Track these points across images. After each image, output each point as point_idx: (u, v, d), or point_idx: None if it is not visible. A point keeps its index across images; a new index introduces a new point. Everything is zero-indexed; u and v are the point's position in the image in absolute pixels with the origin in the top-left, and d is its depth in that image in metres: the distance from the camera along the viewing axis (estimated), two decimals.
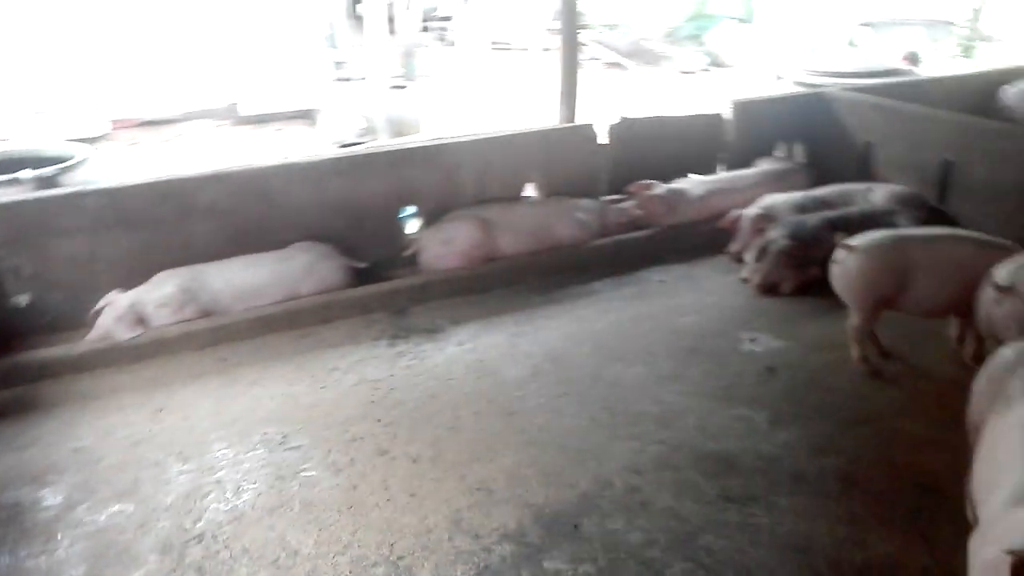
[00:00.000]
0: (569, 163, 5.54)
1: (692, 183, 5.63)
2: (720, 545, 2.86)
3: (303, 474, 3.29)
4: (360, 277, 4.81)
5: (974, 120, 5.38)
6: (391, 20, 11.22)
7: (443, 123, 10.08)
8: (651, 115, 6.03)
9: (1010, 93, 6.73)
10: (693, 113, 6.14)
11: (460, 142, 5.23)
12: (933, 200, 5.25)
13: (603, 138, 5.71)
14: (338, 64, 11.93)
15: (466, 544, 2.89)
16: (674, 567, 2.76)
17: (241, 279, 4.44)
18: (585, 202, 5.35)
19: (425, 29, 12.43)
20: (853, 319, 3.88)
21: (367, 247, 4.98)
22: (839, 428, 3.50)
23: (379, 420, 3.65)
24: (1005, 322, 3.27)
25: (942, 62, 12.44)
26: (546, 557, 2.82)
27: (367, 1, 10.92)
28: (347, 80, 11.46)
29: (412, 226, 5.27)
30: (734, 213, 5.15)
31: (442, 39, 12.88)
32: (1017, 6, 14.31)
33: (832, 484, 3.15)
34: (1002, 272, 3.31)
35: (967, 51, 13.60)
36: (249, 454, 3.42)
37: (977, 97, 6.80)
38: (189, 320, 4.28)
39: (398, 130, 9.40)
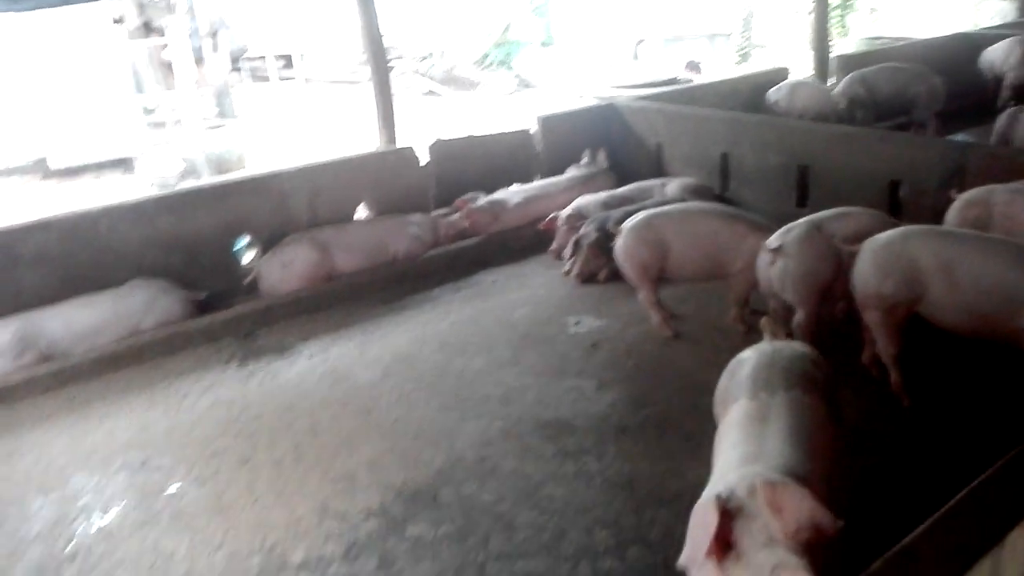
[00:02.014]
0: (396, 183, 5.89)
1: (510, 193, 6.13)
2: (560, 493, 3.27)
3: (169, 490, 3.42)
4: (202, 309, 4.92)
5: (741, 116, 6.24)
6: (199, 61, 11.14)
7: (266, 158, 10.15)
8: (465, 135, 6.50)
9: (775, 92, 7.75)
10: (504, 131, 6.67)
11: (289, 171, 5.45)
12: (717, 188, 6.03)
13: (424, 159, 6.11)
14: (148, 110, 11.68)
15: (334, 526, 3.14)
16: (522, 516, 3.14)
17: (79, 320, 4.45)
18: (416, 217, 5.71)
19: (236, 68, 12.40)
20: (639, 292, 4.48)
21: (205, 280, 5.09)
22: (654, 385, 4.03)
23: (238, 434, 3.82)
24: (781, 281, 3.91)
25: (722, 69, 13.88)
26: (409, 526, 3.13)
27: (173, 44, 10.79)
28: (161, 125, 11.25)
29: (248, 255, 5.43)
30: (551, 216, 5.67)
31: (254, 77, 12.89)
32: (780, 16, 16.18)
33: (651, 431, 3.66)
34: (772, 237, 3.97)
35: (743, 58, 15.24)
36: (111, 479, 3.50)
37: (749, 97, 7.78)
38: (31, 366, 4.25)
39: (221, 168, 9.41)
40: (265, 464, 3.57)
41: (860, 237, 3.72)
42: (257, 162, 9.87)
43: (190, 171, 9.30)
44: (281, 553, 3.01)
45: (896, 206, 5.09)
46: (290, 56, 14.14)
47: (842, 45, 10.64)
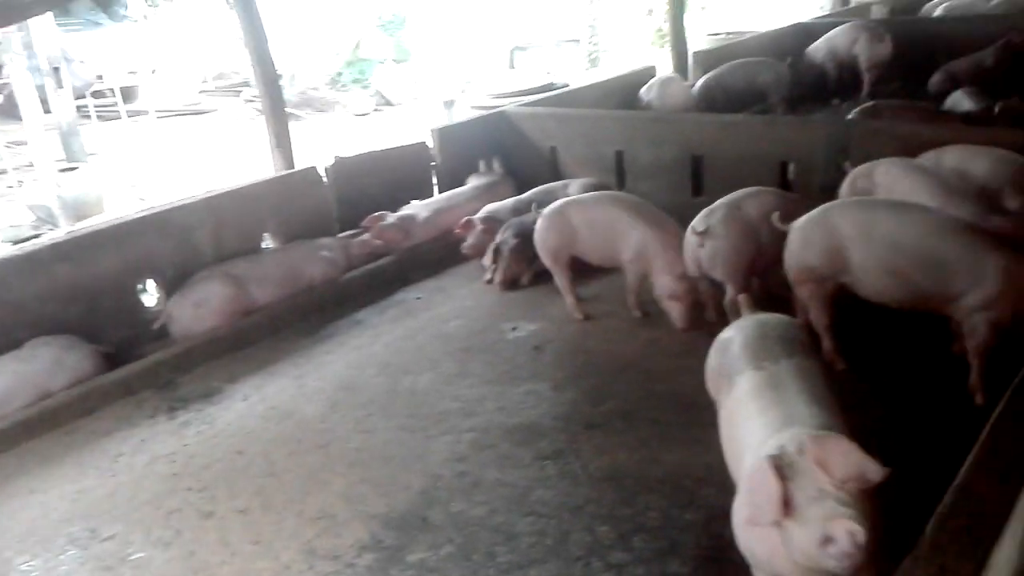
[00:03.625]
0: (300, 208, 5.68)
1: (418, 207, 6.05)
2: (550, 496, 3.27)
3: (131, 559, 3.14)
4: (113, 362, 4.55)
5: (633, 114, 6.48)
6: (43, 102, 10.30)
7: (128, 199, 9.54)
8: (363, 152, 6.37)
9: (646, 91, 8.10)
10: (400, 145, 6.59)
11: (190, 203, 5.14)
12: (615, 185, 6.22)
13: (323, 180, 5.94)
14: None
15: (328, 567, 2.99)
16: (519, 524, 3.12)
17: None
18: (326, 241, 5.54)
19: (83, 107, 11.56)
20: (555, 278, 4.65)
21: (110, 330, 4.71)
22: (606, 378, 4.11)
23: (190, 488, 3.56)
24: (711, 261, 4.10)
25: (577, 73, 14.34)
26: (407, 553, 3.03)
27: (14, 85, 9.93)
28: (2, 173, 10.31)
29: (154, 298, 5.08)
30: (465, 220, 5.66)
31: (100, 115, 12.07)
32: (622, 21, 16.91)
33: (618, 423, 3.72)
34: (697, 220, 4.15)
35: (593, 63, 15.80)
36: (61, 557, 3.17)
37: (623, 97, 8.08)
38: None
39: (79, 214, 8.74)
40: (231, 515, 3.35)
41: (768, 214, 4.00)
42: (117, 204, 9.24)
43: (45, 219, 8.57)
44: None
45: (786, 186, 5.44)
46: (134, 88, 13.34)
47: (692, 42, 11.22)
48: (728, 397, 2.68)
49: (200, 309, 4.82)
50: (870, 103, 6.59)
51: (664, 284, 4.32)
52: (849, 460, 2.00)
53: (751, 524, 2.08)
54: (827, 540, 1.89)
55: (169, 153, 11.82)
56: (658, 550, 2.91)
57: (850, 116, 6.34)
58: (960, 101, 6.86)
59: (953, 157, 4.49)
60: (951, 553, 1.64)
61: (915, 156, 4.61)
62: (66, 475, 3.74)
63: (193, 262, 5.09)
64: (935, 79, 8.03)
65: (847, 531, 1.85)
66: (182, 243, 5.07)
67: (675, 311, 4.31)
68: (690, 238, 4.18)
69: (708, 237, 4.09)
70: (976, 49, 8.17)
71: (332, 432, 3.89)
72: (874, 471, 1.98)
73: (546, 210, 4.72)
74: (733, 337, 2.88)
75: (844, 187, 4.49)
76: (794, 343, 2.77)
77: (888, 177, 4.25)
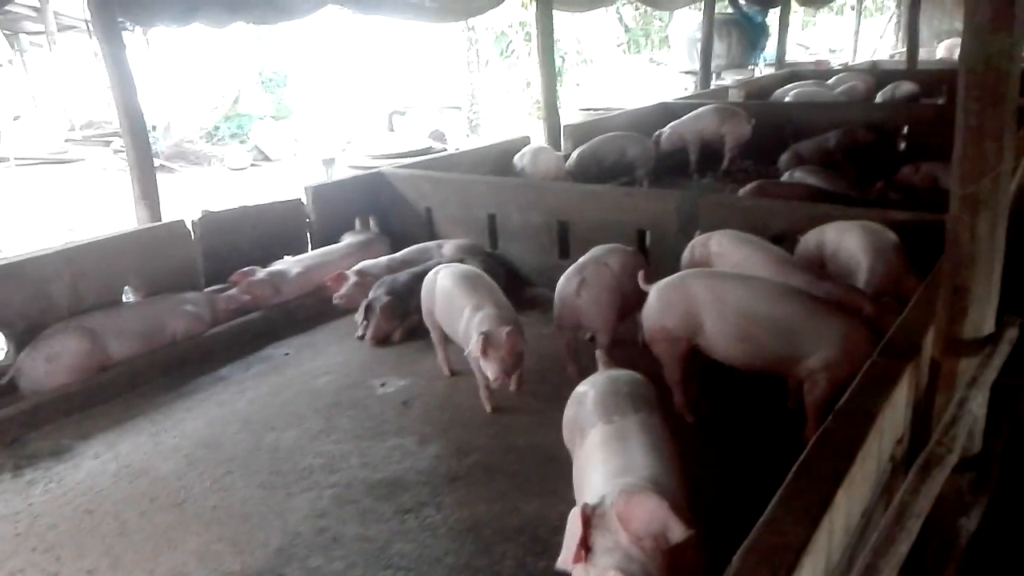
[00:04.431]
0: (164, 261, 5.57)
1: (289, 263, 6.06)
2: (408, 548, 3.32)
3: None
4: None
5: (504, 180, 6.76)
6: None
7: None
8: (233, 207, 6.33)
9: (519, 158, 8.45)
10: (272, 201, 6.59)
11: (45, 255, 4.95)
12: (488, 246, 6.45)
13: (191, 234, 5.86)
14: None
15: None
16: None
17: None
18: (191, 295, 5.44)
19: None
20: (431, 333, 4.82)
21: None
22: (471, 432, 4.22)
23: (35, 549, 3.40)
24: (589, 310, 4.42)
25: (459, 138, 14.74)
26: None
27: None
28: None
29: (2, 351, 4.83)
30: (337, 274, 5.70)
31: None
32: (499, 93, 17.56)
33: (479, 475, 3.83)
34: (571, 274, 4.51)
35: (474, 129, 16.28)
36: None
37: (497, 163, 8.41)
38: None
39: None
40: (76, 575, 3.22)
41: (626, 268, 4.48)
42: None
43: None
44: None
45: (644, 252, 5.81)
46: None
47: (566, 116, 11.79)
48: (581, 448, 2.86)
49: (52, 364, 4.63)
50: (757, 182, 7.05)
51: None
52: (654, 517, 2.19)
53: (561, 565, 2.25)
54: None
55: (29, 202, 11.27)
56: None
57: (740, 192, 6.75)
58: (803, 178, 7.52)
59: (831, 232, 4.74)
60: None
61: (757, 228, 5.03)
62: None
63: (48, 314, 4.89)
64: (784, 158, 8.76)
65: None
66: (36, 295, 4.87)
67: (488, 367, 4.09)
68: (567, 291, 4.44)
69: (584, 287, 4.36)
70: (820, 132, 9.00)
71: (188, 490, 3.81)
72: (677, 531, 2.18)
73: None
74: (587, 392, 3.09)
75: (685, 255, 4.86)
76: (642, 399, 3.00)
77: (721, 247, 4.63)
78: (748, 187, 6.85)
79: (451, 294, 4.44)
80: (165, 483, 3.88)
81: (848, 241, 4.60)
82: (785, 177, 7.63)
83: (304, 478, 3.87)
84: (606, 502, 2.28)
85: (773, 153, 9.06)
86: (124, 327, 5.01)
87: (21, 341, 4.77)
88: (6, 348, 4.87)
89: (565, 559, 2.27)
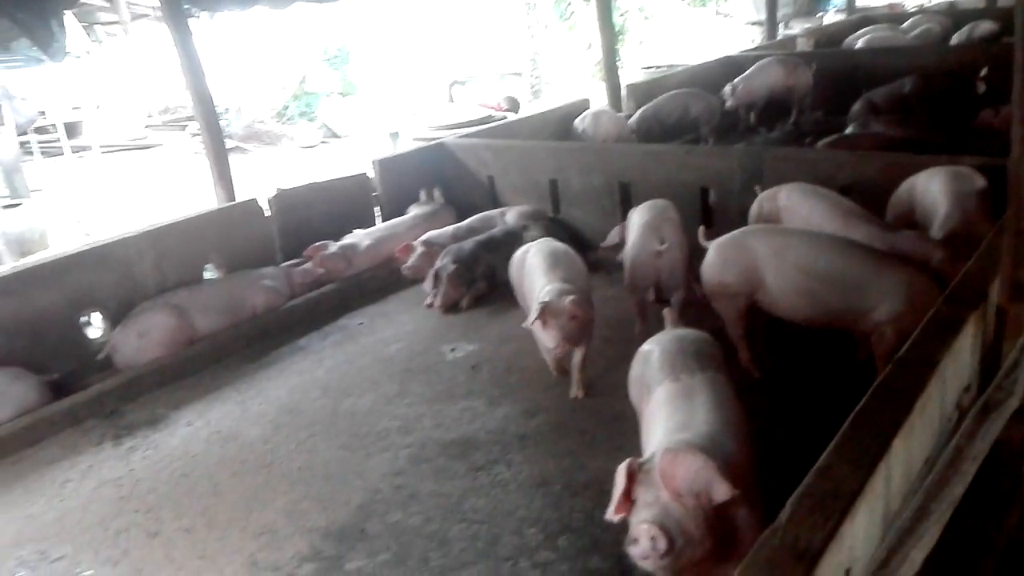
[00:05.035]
0: (242, 239, 5.83)
1: (359, 236, 6.25)
2: (481, 503, 3.47)
3: None
4: (57, 393, 4.63)
5: (564, 145, 6.79)
6: None
7: (71, 234, 9.53)
8: (304, 183, 6.55)
9: (580, 121, 8.45)
10: (342, 176, 6.79)
11: (131, 236, 5.26)
12: (550, 211, 6.51)
13: (266, 211, 6.11)
14: None
15: None
16: (452, 531, 3.31)
17: None
18: (269, 270, 5.70)
19: (26, 143, 11.52)
20: None
21: (54, 361, 4.79)
22: (538, 393, 4.33)
23: (137, 510, 3.68)
24: (668, 271, 4.54)
25: (522, 104, 14.73)
26: (346, 562, 3.20)
27: None
28: None
29: (97, 329, 5.17)
30: (404, 244, 5.88)
31: (43, 150, 12.03)
32: (560, 56, 17.42)
33: (548, 435, 3.94)
34: (650, 239, 4.51)
35: (536, 94, 16.23)
36: None
37: (557, 128, 8.42)
38: None
39: (23, 249, 8.74)
40: (176, 533, 3.48)
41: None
42: (61, 240, 9.24)
43: None
44: None
45: (708, 210, 5.78)
46: (78, 123, 13.33)
47: (628, 75, 11.68)
48: (647, 405, 2.94)
49: (143, 339, 4.93)
50: (834, 136, 6.90)
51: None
52: (698, 476, 2.23)
53: (608, 516, 2.36)
54: (633, 540, 2.21)
55: (114, 187, 11.81)
56: (581, 548, 3.13)
57: (818, 145, 6.61)
58: (877, 127, 7.28)
59: (922, 177, 4.58)
60: (806, 525, 1.88)
61: (824, 180, 4.95)
62: (14, 502, 3.83)
63: (136, 293, 5.21)
64: (856, 107, 8.49)
65: (649, 536, 2.16)
66: (124, 275, 5.18)
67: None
68: (647, 250, 4.52)
69: (666, 247, 4.47)
70: (894, 79, 8.68)
71: (275, 453, 4.04)
72: (721, 491, 2.21)
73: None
74: (653, 350, 3.15)
75: (752, 210, 4.82)
76: (708, 357, 3.04)
77: (790, 200, 4.59)
78: (826, 140, 6.70)
79: (533, 272, 4.36)
80: (253, 447, 4.12)
81: (933, 186, 4.47)
82: (851, 129, 7.39)
83: (381, 439, 4.05)
84: (655, 459, 2.34)
85: (845, 103, 8.78)
86: (208, 303, 5.29)
87: (114, 319, 5.08)
88: (102, 326, 5.19)
89: (611, 511, 2.36)
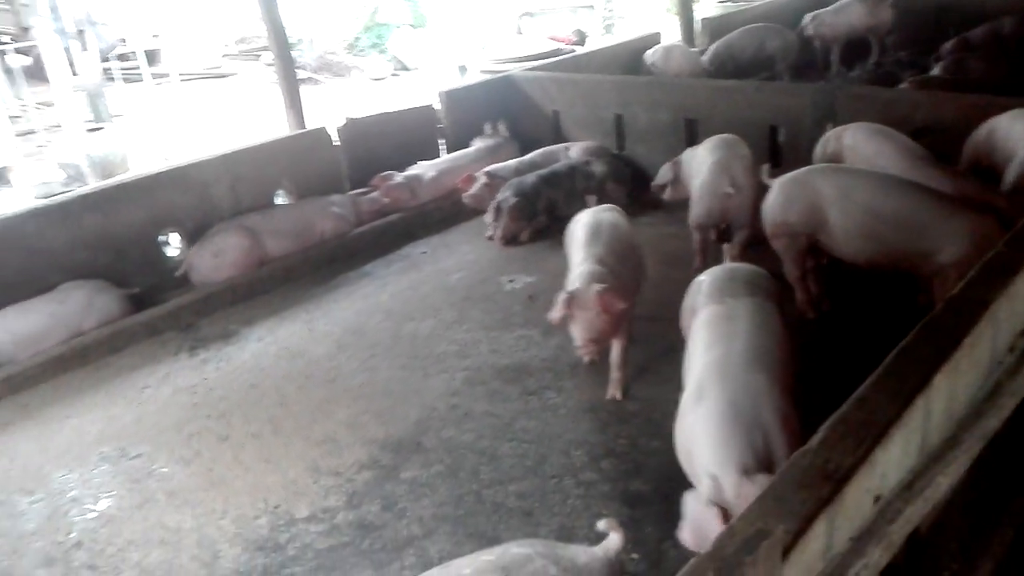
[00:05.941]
0: (311, 166, 6.00)
1: (424, 167, 6.36)
2: (532, 425, 3.61)
3: (156, 473, 3.53)
4: (138, 305, 4.93)
5: (630, 78, 6.71)
6: (70, 64, 10.66)
7: (150, 158, 9.89)
8: (372, 114, 6.66)
9: (651, 55, 8.30)
10: (408, 107, 6.87)
11: (208, 160, 5.48)
12: (614, 148, 6.48)
13: (335, 140, 6.25)
14: (13, 118, 11.06)
15: (330, 481, 3.36)
16: (503, 448, 3.47)
17: (19, 328, 4.39)
18: (337, 197, 5.87)
19: (108, 69, 11.91)
20: None
21: (135, 276, 5.09)
22: None
23: (209, 416, 3.94)
24: (738, 211, 4.52)
25: (592, 38, 14.48)
26: (401, 471, 3.39)
27: (41, 48, 10.27)
28: (31, 133, 10.70)
29: (175, 248, 5.45)
30: (466, 175, 5.98)
31: (124, 76, 12.42)
32: None
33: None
34: (720, 181, 4.50)
35: (608, 28, 15.90)
36: (94, 471, 3.58)
37: (627, 62, 8.30)
38: None
39: (105, 172, 9.11)
40: (245, 438, 3.73)
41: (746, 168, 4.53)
42: (141, 163, 9.61)
43: (75, 177, 8.96)
44: (286, 511, 3.21)
45: (776, 149, 5.68)
46: (157, 51, 13.68)
47: (703, 9, 11.35)
48: (692, 326, 3.01)
49: (218, 259, 5.18)
50: (920, 76, 6.67)
51: None
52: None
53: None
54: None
55: (191, 114, 12.15)
56: (624, 471, 3.25)
57: (903, 86, 6.41)
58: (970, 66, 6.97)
59: (1005, 118, 4.41)
60: (838, 449, 1.94)
61: (898, 121, 4.81)
62: (97, 404, 4.14)
63: (212, 215, 5.44)
64: (948, 45, 8.08)
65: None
66: (201, 197, 5.42)
67: None
68: (719, 189, 4.50)
69: (738, 192, 4.46)
70: (982, 20, 8.24)
71: (338, 370, 4.25)
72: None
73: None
74: (704, 279, 3.21)
75: (817, 149, 4.74)
76: (758, 286, 3.07)
77: (856, 140, 4.49)
78: (911, 79, 6.46)
79: (572, 244, 3.96)
80: (318, 363, 4.34)
81: (1016, 129, 4.32)
82: (936, 72, 7.06)
83: (439, 362, 4.22)
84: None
85: (929, 44, 8.40)
86: (279, 227, 5.50)
87: (191, 239, 5.34)
88: (179, 245, 5.46)
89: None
